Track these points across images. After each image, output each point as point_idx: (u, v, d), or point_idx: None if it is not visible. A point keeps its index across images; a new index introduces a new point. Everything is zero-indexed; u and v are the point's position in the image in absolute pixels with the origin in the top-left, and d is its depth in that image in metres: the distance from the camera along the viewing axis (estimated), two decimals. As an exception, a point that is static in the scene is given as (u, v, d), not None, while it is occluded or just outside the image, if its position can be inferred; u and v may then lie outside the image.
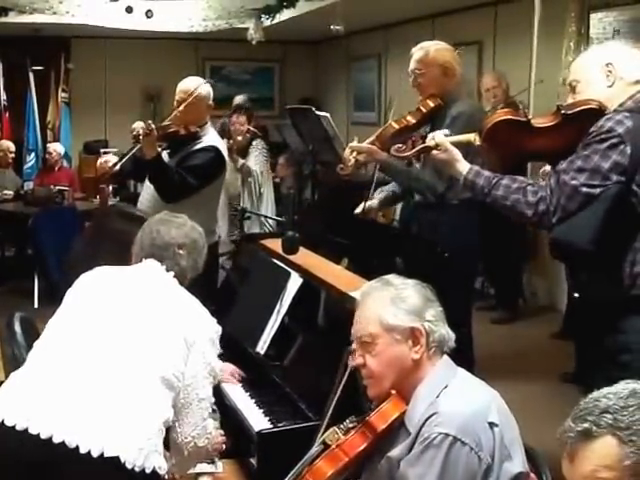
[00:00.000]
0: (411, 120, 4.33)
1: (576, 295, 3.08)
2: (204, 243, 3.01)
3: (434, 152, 3.13)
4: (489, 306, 7.28)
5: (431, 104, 4.35)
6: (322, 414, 2.70)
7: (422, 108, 4.35)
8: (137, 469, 2.32)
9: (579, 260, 2.91)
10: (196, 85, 4.78)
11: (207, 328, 2.70)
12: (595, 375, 3.04)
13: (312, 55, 13.03)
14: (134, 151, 4.65)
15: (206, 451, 2.77)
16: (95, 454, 2.28)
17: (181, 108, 4.70)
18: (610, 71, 2.92)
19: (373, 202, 4.75)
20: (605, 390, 1.54)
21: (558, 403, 4.63)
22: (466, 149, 3.17)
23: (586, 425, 1.49)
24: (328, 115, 5.53)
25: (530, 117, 3.04)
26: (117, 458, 2.29)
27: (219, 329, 2.75)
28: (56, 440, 2.28)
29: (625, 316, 2.83)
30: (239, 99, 9.11)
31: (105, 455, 2.28)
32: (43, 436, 2.28)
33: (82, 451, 2.27)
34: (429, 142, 3.15)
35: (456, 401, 2.25)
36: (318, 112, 5.56)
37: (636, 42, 5.81)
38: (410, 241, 4.48)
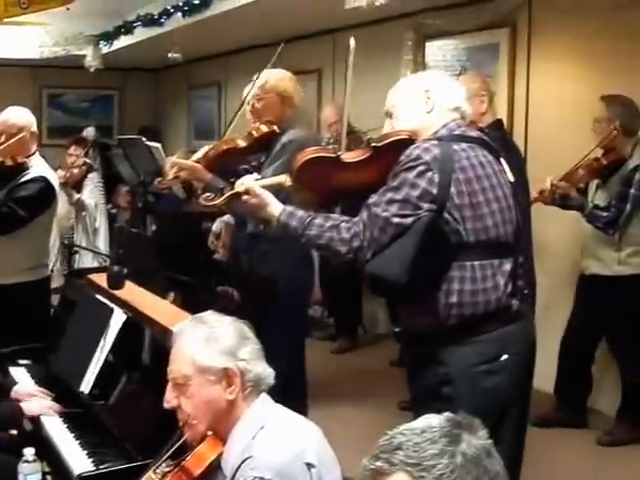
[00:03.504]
0: (240, 143, 4.29)
1: (396, 330, 3.07)
2: None
3: (244, 197, 3.05)
4: (329, 336, 7.30)
5: (264, 129, 4.33)
6: (147, 454, 2.62)
7: (254, 133, 4.33)
8: None
9: (395, 293, 2.89)
10: (15, 116, 4.67)
11: None
12: (419, 409, 3.05)
13: (152, 83, 12.88)
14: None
15: None
16: None
17: (2, 140, 4.58)
18: (429, 97, 2.94)
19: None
20: (402, 426, 1.52)
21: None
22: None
23: (379, 463, 1.47)
24: (159, 145, 5.46)
25: (340, 153, 2.99)
26: None
27: None
28: None
29: (444, 347, 2.83)
30: (89, 133, 8.92)
31: None
32: None
33: None
34: (238, 188, 3.07)
35: (272, 443, 2.20)
36: (148, 142, 5.48)
37: (475, 70, 6.08)
38: (242, 274, 4.44)
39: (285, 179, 3.03)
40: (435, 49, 6.99)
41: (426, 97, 2.95)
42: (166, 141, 11.85)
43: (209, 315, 2.43)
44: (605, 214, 4.91)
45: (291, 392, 4.32)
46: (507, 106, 6.29)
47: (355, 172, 2.95)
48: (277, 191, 3.08)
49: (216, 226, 6.47)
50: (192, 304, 3.73)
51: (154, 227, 7.33)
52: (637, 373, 5.16)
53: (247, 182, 3.06)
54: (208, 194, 3.42)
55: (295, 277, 4.27)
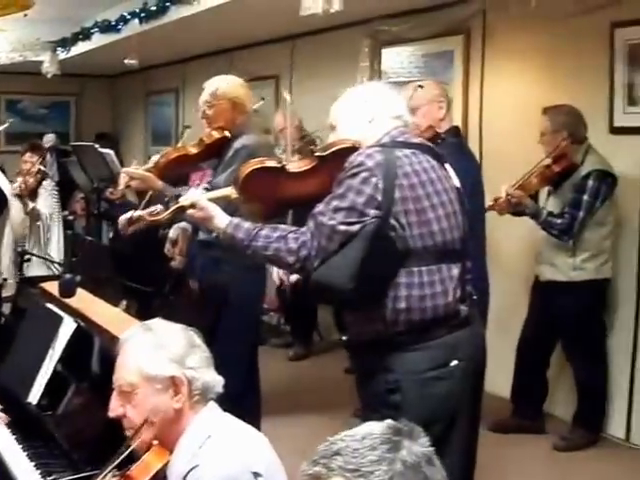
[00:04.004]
0: (192, 150, 4.29)
1: (343, 338, 3.06)
2: None
3: (189, 212, 3.04)
4: (286, 343, 7.29)
5: (215, 136, 4.33)
6: (96, 465, 2.58)
7: (205, 139, 4.33)
8: None
9: (342, 301, 2.89)
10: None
11: None
12: (368, 417, 3.04)
13: (110, 89, 12.82)
14: None
15: None
16: None
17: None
18: (369, 107, 2.96)
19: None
20: (344, 432, 1.52)
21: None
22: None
23: (317, 468, 1.46)
24: (111, 152, 5.42)
25: (285, 163, 3.01)
26: None
27: None
28: None
29: (392, 354, 2.83)
30: (49, 140, 8.84)
31: None
32: None
33: None
34: (183, 202, 3.06)
35: (219, 452, 2.18)
36: (101, 149, 5.44)
37: (430, 76, 6.11)
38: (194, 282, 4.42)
39: (231, 191, 3.03)
40: (391, 56, 7.02)
41: (366, 107, 2.96)
42: (124, 147, 11.82)
43: (157, 322, 2.41)
44: (559, 221, 4.95)
45: (244, 400, 4.32)
46: (462, 113, 6.33)
47: (301, 182, 2.96)
48: (227, 203, 3.07)
49: (173, 233, 6.42)
50: (146, 312, 3.69)
51: (111, 234, 7.27)
52: (591, 378, 5.21)
53: (192, 196, 3.06)
54: (152, 209, 3.38)
55: (247, 284, 4.24)
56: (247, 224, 2.91)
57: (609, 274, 5.12)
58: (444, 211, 2.85)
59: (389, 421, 1.56)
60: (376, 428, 1.52)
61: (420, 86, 4.34)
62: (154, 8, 7.47)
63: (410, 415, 2.67)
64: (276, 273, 4.74)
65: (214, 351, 3.87)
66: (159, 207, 4.13)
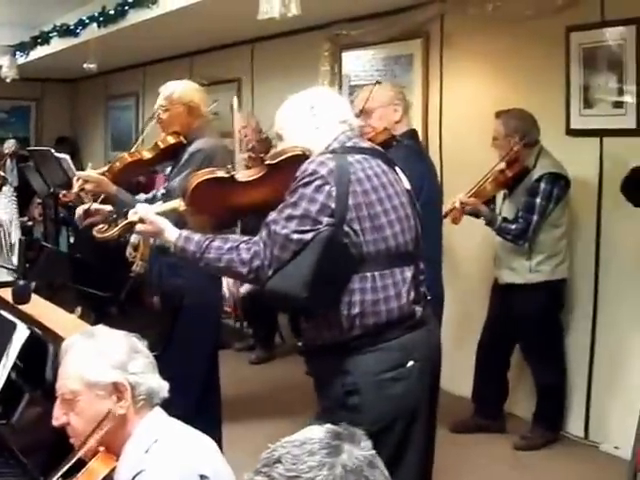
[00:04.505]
0: (146, 155, 4.28)
1: (299, 344, 3.06)
2: None
3: (139, 227, 3.02)
4: (248, 346, 7.28)
5: (170, 141, 4.32)
6: (49, 473, 2.56)
7: (160, 144, 4.32)
8: None
9: (297, 308, 2.90)
10: None
11: None
12: (326, 420, 3.04)
13: (70, 93, 12.75)
14: None
15: None
16: None
17: None
18: (314, 114, 2.96)
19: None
20: (286, 438, 1.52)
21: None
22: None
23: (259, 478, 1.47)
24: (67, 157, 5.39)
25: (234, 172, 2.99)
26: None
27: None
28: None
29: (349, 357, 2.83)
30: (10, 145, 8.78)
31: None
32: None
33: None
34: (132, 217, 3.03)
35: (165, 456, 2.17)
36: (57, 154, 5.41)
37: (391, 79, 6.13)
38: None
39: (179, 204, 3.02)
40: (351, 59, 7.04)
41: (312, 114, 2.96)
42: (84, 152, 11.75)
43: (99, 329, 2.41)
44: (514, 226, 4.99)
45: (204, 404, 4.32)
46: (422, 116, 6.36)
47: (251, 191, 2.96)
48: (177, 215, 3.06)
49: (134, 237, 6.38)
50: (102, 318, 3.66)
51: (72, 240, 7.22)
52: (550, 378, 5.25)
53: (141, 210, 3.03)
54: (101, 225, 3.33)
55: (204, 289, 4.22)
56: (197, 236, 2.89)
57: (565, 274, 5.17)
58: (396, 215, 2.86)
59: (329, 425, 1.56)
60: (316, 433, 1.54)
61: (378, 82, 4.34)
62: (113, 12, 7.42)
63: (370, 416, 2.75)
64: (226, 286, 4.71)
65: (171, 356, 3.91)
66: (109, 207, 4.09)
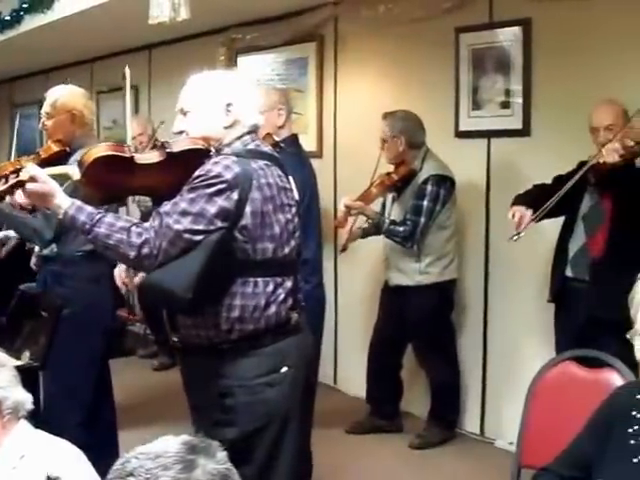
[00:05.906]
0: (26, 164, 4.18)
1: (175, 339, 3.04)
2: None
3: (29, 185, 2.86)
4: (151, 353, 7.22)
5: (53, 149, 4.23)
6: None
7: (42, 153, 4.22)
8: None
9: (175, 308, 2.87)
10: None
11: None
12: (201, 420, 3.05)
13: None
14: None
15: None
16: None
17: None
18: (230, 111, 2.91)
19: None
20: (140, 448, 1.49)
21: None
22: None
23: None
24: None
25: (134, 153, 2.93)
26: None
27: None
28: None
29: (225, 361, 2.86)
30: None
31: None
32: None
33: None
34: (23, 175, 2.89)
35: (33, 473, 2.16)
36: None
37: (288, 83, 6.14)
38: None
39: (73, 171, 2.96)
40: (248, 63, 7.03)
41: (227, 111, 2.91)
42: (-12, 160, 11.51)
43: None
44: (402, 229, 5.02)
45: (97, 412, 4.27)
46: (316, 119, 6.39)
47: (147, 174, 2.91)
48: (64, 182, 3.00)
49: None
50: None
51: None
52: (443, 377, 5.31)
53: (32, 169, 2.91)
54: None
55: (88, 297, 4.16)
56: (90, 208, 2.83)
57: (455, 275, 5.24)
58: (285, 226, 2.90)
59: (185, 437, 1.52)
60: (171, 445, 1.50)
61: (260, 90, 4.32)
62: (8, 18, 7.31)
63: (244, 419, 2.79)
64: (118, 276, 4.63)
65: (54, 366, 3.86)
66: None
